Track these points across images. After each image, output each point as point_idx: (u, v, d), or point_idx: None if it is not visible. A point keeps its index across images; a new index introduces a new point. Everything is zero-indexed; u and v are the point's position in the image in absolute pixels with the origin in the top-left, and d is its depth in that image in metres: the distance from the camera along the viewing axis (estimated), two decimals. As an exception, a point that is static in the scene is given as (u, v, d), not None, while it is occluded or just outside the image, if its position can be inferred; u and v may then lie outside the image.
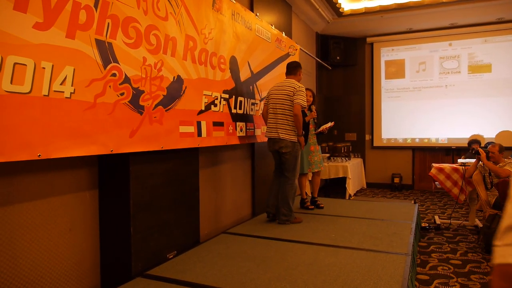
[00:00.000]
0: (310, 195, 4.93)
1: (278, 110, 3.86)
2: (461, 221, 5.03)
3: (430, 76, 7.87)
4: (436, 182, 5.00)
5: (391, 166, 8.24)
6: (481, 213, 5.24)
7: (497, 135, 7.01)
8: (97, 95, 2.18)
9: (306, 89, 4.56)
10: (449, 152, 7.74)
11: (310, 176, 4.94)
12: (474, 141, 5.72)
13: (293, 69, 4.04)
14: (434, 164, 5.11)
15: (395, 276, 2.48)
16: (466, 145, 7.30)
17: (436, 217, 5.16)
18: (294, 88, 3.82)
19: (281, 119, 3.84)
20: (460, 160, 5.15)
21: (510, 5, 6.58)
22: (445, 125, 7.74)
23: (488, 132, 7.16)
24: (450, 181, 4.85)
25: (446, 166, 4.95)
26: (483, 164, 4.28)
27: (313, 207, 4.64)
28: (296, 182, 3.97)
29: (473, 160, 4.61)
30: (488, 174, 4.25)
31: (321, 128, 4.61)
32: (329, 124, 4.68)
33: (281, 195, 3.92)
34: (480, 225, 4.59)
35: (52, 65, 1.93)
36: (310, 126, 4.53)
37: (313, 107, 4.56)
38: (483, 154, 4.23)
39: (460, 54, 7.62)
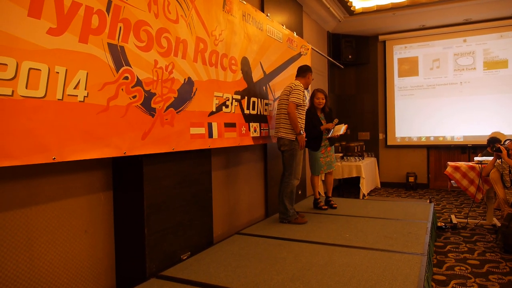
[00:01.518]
0: (324, 195, 4.91)
1: (280, 110, 4.00)
2: (478, 220, 4.93)
3: (445, 73, 7.74)
4: (452, 181, 4.92)
5: (406, 165, 8.14)
6: (499, 212, 5.14)
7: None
8: (110, 98, 2.21)
9: (318, 90, 4.54)
10: (465, 150, 7.61)
11: (323, 176, 4.91)
12: (496, 139, 5.57)
13: (302, 72, 4.14)
14: (449, 163, 5.03)
15: (411, 277, 2.45)
16: (483, 143, 7.18)
17: (453, 217, 5.08)
18: (291, 88, 3.90)
19: (282, 119, 3.95)
20: (476, 158, 5.06)
21: (526, -1, 6.44)
22: (461, 123, 7.60)
23: (505, 129, 7.00)
24: (466, 180, 4.76)
25: (462, 164, 4.86)
26: (501, 161, 4.19)
27: (326, 207, 4.62)
28: (293, 181, 3.94)
29: (489, 158, 4.52)
30: (507, 172, 4.16)
31: (331, 134, 4.52)
32: (342, 131, 4.51)
33: (279, 194, 4.02)
34: (498, 224, 4.50)
35: (66, 70, 1.96)
36: (324, 131, 4.51)
37: (336, 120, 4.51)
38: (504, 152, 4.14)
39: (475, 50, 7.48)
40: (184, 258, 2.95)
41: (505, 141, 5.43)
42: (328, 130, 4.51)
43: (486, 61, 7.40)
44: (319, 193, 4.74)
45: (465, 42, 7.56)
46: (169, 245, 2.85)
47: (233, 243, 3.31)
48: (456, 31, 7.57)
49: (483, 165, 4.57)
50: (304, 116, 4.05)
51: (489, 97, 7.37)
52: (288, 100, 3.87)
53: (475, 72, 7.49)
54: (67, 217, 2.30)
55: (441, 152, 7.91)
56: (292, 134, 3.88)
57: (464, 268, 3.37)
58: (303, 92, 3.92)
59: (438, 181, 7.91)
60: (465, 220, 4.95)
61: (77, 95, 2.02)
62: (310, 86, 5.50)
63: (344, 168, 6.56)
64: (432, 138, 7.90)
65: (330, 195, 4.78)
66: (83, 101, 2.06)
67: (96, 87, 2.13)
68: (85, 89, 2.07)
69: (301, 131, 3.90)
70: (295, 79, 4.11)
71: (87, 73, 2.07)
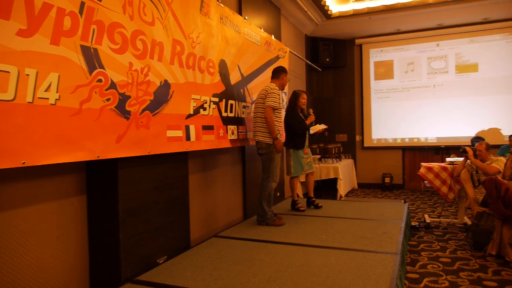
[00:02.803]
0: (302, 197, 4.96)
1: (257, 113, 4.00)
2: (450, 219, 5.08)
3: (419, 76, 7.95)
4: (426, 181, 5.05)
5: (382, 166, 8.30)
6: (470, 210, 5.30)
7: (484, 133, 7.10)
8: (83, 101, 2.18)
9: (302, 91, 4.64)
10: (439, 151, 7.82)
11: (302, 177, 4.96)
12: (480, 138, 5.72)
13: (276, 73, 4.15)
14: (423, 164, 5.16)
15: (384, 275, 2.50)
16: (455, 144, 7.44)
17: (426, 216, 5.21)
18: (266, 91, 3.91)
19: (258, 122, 3.96)
20: (448, 159, 5.21)
21: (495, 6, 6.68)
22: (434, 125, 7.82)
23: (476, 130, 7.27)
24: (439, 180, 4.90)
25: (435, 165, 5.00)
26: (471, 162, 4.34)
27: (304, 208, 4.66)
28: (271, 184, 3.95)
29: (461, 159, 4.67)
30: (475, 172, 4.31)
31: (314, 131, 4.66)
32: (322, 128, 4.70)
33: (259, 196, 4.03)
34: (469, 222, 4.65)
35: (37, 72, 1.93)
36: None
37: (311, 110, 4.64)
38: (470, 152, 4.29)
39: (447, 54, 7.71)
40: (160, 262, 2.93)
41: (474, 141, 5.63)
42: (311, 124, 4.66)
43: (458, 65, 7.64)
44: (297, 195, 4.79)
45: (438, 46, 7.78)
46: (145, 249, 2.82)
47: (210, 246, 3.30)
48: (429, 35, 7.78)
49: (454, 166, 4.71)
50: (282, 119, 4.07)
51: (461, 100, 7.60)
52: (264, 104, 3.88)
53: (448, 75, 7.72)
54: (38, 223, 2.25)
55: (415, 153, 8.11)
56: (269, 138, 3.90)
57: (436, 266, 3.47)
58: (279, 95, 3.94)
59: (413, 181, 8.10)
60: (438, 219, 5.09)
61: (48, 98, 1.99)
62: (287, 87, 5.55)
63: (322, 169, 6.64)
64: (407, 140, 8.09)
65: (312, 195, 4.83)
66: (55, 104, 2.02)
67: (69, 89, 2.10)
68: (57, 92, 2.03)
69: (278, 135, 3.91)
70: (270, 82, 4.13)
71: (59, 75, 2.04)
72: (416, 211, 5.91)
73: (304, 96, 4.60)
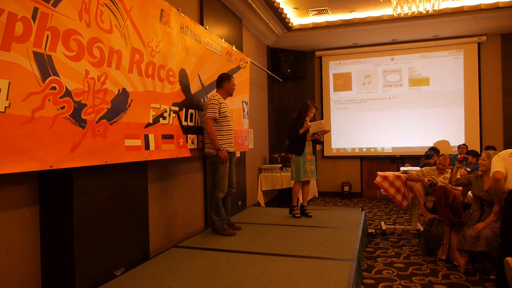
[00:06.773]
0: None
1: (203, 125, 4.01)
2: (404, 226, 5.30)
3: (375, 88, 8.28)
4: (381, 190, 5.24)
5: (341, 175, 8.52)
6: (422, 217, 5.55)
7: (434, 144, 7.48)
8: (35, 109, 2.11)
9: (312, 104, 4.80)
10: (394, 160, 8.14)
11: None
12: (435, 149, 6.03)
13: (218, 82, 4.10)
14: (379, 173, 5.36)
15: (341, 282, 2.57)
16: (409, 154, 7.81)
17: (382, 223, 5.40)
18: (206, 102, 3.92)
19: (205, 133, 3.97)
20: (402, 168, 5.44)
21: (444, 24, 7.12)
22: (390, 135, 8.15)
23: (427, 141, 7.65)
24: (393, 188, 5.10)
25: (390, 174, 5.21)
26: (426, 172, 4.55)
27: (300, 215, 4.75)
28: (218, 194, 3.89)
29: (415, 168, 4.88)
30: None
31: (313, 134, 4.78)
32: (323, 127, 4.84)
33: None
34: (422, 229, 4.86)
35: (-15, 78, 1.85)
36: (308, 135, 4.76)
37: (307, 119, 4.75)
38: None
39: (401, 68, 8.10)
40: (117, 274, 2.85)
41: (428, 152, 5.92)
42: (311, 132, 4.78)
43: (411, 78, 8.04)
44: (297, 200, 4.86)
45: (392, 61, 8.15)
46: (101, 261, 2.74)
47: (170, 256, 3.26)
48: (384, 49, 8.15)
49: (408, 175, 4.93)
50: (230, 128, 3.99)
51: (414, 112, 7.99)
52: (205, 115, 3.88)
53: (402, 88, 8.10)
54: (-15, 236, 2.14)
55: (373, 163, 8.40)
56: (214, 149, 3.87)
57: (391, 271, 3.60)
58: (218, 104, 3.86)
59: (370, 190, 8.37)
60: (393, 226, 5.29)
61: (-3, 106, 1.91)
62: (248, 96, 5.61)
63: (283, 178, 6.73)
64: (364, 150, 8.37)
65: (305, 204, 4.93)
66: (4, 112, 1.94)
67: (20, 97, 2.02)
68: (7, 99, 1.95)
69: (220, 147, 3.83)
70: (216, 92, 4.07)
71: (9, 82, 1.96)
72: (373, 219, 6.11)
73: (313, 110, 4.80)
